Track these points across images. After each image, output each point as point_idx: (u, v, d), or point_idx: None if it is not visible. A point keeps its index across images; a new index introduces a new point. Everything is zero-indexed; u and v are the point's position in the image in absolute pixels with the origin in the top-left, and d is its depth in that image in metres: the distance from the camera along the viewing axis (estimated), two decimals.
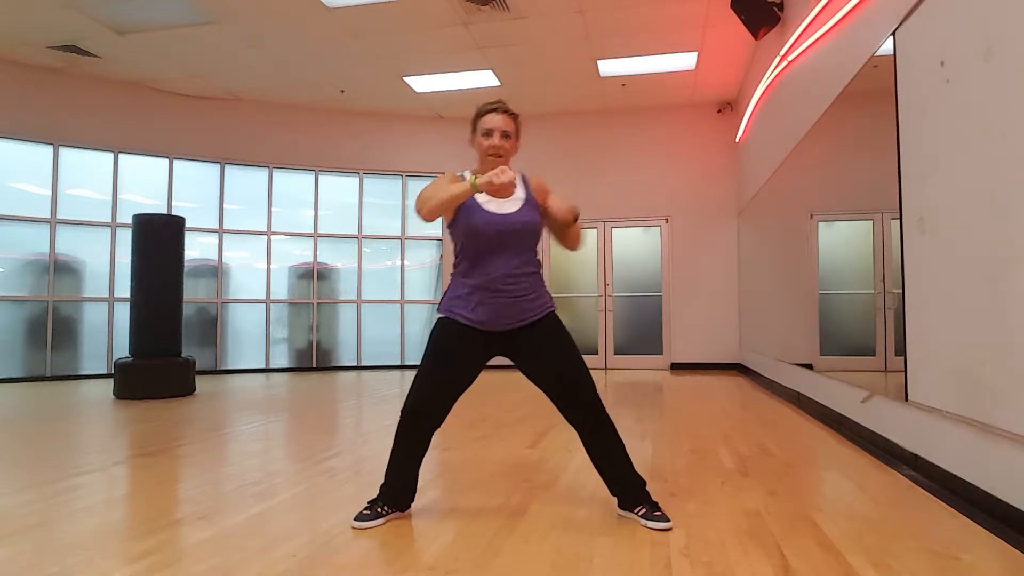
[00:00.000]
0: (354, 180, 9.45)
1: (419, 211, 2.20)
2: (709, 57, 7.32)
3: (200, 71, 7.72)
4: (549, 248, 7.98)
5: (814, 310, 4.90)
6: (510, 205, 2.25)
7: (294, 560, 1.89)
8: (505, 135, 2.25)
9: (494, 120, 2.25)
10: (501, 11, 6.16)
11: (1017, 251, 2.13)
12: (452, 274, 2.34)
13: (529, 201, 2.27)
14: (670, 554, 1.92)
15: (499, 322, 2.24)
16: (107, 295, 8.04)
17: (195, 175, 8.63)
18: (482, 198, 2.25)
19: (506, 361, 2.35)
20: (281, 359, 9.06)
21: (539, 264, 2.35)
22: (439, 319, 2.32)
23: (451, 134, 9.52)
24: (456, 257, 2.32)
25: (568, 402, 2.28)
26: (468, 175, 2.30)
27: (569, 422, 2.31)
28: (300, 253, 9.23)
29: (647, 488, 2.28)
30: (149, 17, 6.28)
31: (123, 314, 7.48)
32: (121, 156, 8.16)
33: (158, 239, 6.20)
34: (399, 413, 2.29)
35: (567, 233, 2.32)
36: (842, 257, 4.67)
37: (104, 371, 7.81)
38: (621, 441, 2.31)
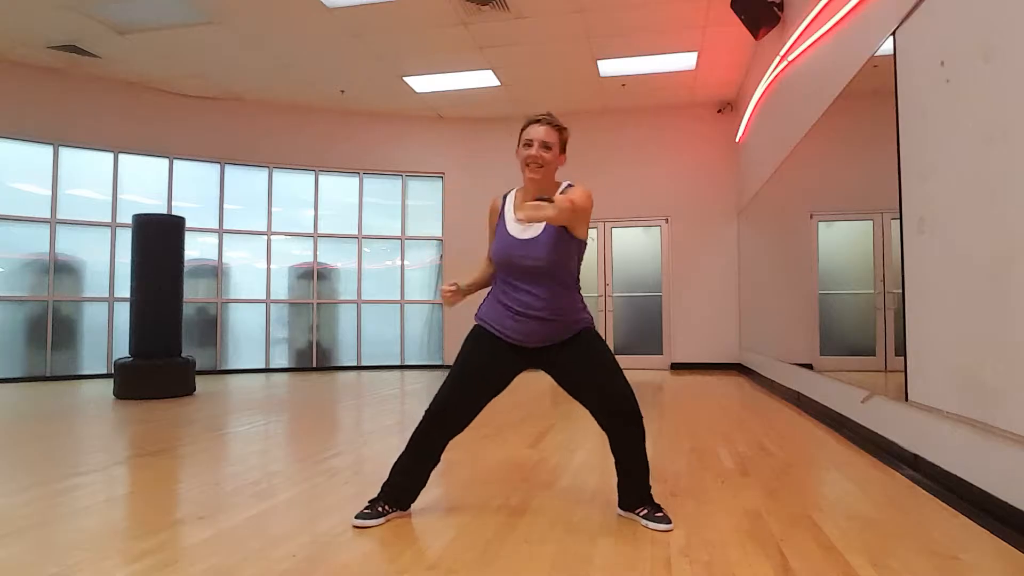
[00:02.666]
0: (354, 180, 9.45)
1: None
2: (709, 57, 7.32)
3: (200, 71, 7.72)
4: None
5: (814, 310, 4.90)
6: (535, 228, 2.21)
7: (294, 560, 1.89)
8: (545, 146, 2.21)
9: (536, 131, 2.22)
10: (501, 11, 6.16)
11: (1017, 251, 2.13)
12: (493, 285, 2.34)
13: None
14: (670, 554, 1.92)
15: (531, 340, 2.24)
16: (107, 295, 8.03)
17: (195, 175, 8.63)
18: (510, 220, 2.26)
19: None
20: (281, 359, 9.06)
21: (573, 287, 2.27)
22: (475, 326, 2.33)
23: (451, 134, 9.53)
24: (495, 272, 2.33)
25: (607, 413, 2.26)
26: (513, 193, 2.33)
27: (604, 430, 2.29)
28: (300, 253, 9.23)
29: (650, 492, 2.28)
30: (149, 17, 6.28)
31: (123, 314, 7.48)
32: (121, 156, 8.15)
33: (158, 239, 6.20)
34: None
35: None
36: (842, 257, 4.67)
37: (104, 371, 7.80)
38: (645, 449, 2.28)
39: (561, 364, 2.27)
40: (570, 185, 2.32)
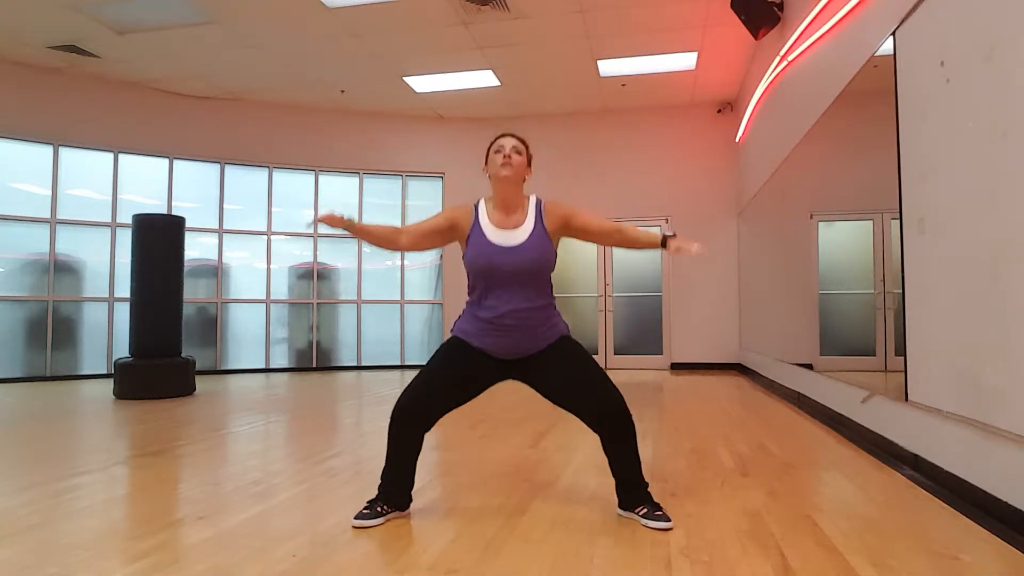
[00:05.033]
0: (354, 180, 9.45)
1: None
2: (709, 57, 7.32)
3: (200, 71, 7.72)
4: None
5: (814, 310, 4.90)
6: (517, 236, 2.25)
7: (294, 560, 1.89)
8: (516, 150, 2.29)
9: (504, 141, 2.31)
10: (501, 11, 6.16)
11: (1017, 251, 2.13)
12: (467, 302, 2.35)
13: (536, 231, 2.26)
14: (670, 554, 1.92)
15: (508, 353, 2.27)
16: (107, 295, 8.04)
17: (195, 175, 8.63)
18: (488, 229, 2.27)
19: None
20: (281, 359, 9.06)
21: (550, 296, 2.32)
22: (451, 338, 2.33)
23: (451, 134, 9.53)
24: (468, 287, 2.33)
25: (593, 417, 2.27)
26: (483, 203, 2.34)
27: (596, 432, 2.30)
28: (300, 253, 9.23)
29: (649, 490, 2.29)
30: (149, 17, 6.28)
31: (123, 314, 7.48)
32: (121, 156, 8.16)
33: (158, 239, 6.20)
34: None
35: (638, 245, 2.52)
36: (842, 257, 4.67)
37: (104, 371, 7.81)
38: (637, 445, 2.30)
39: (541, 373, 2.28)
40: (539, 201, 2.35)
